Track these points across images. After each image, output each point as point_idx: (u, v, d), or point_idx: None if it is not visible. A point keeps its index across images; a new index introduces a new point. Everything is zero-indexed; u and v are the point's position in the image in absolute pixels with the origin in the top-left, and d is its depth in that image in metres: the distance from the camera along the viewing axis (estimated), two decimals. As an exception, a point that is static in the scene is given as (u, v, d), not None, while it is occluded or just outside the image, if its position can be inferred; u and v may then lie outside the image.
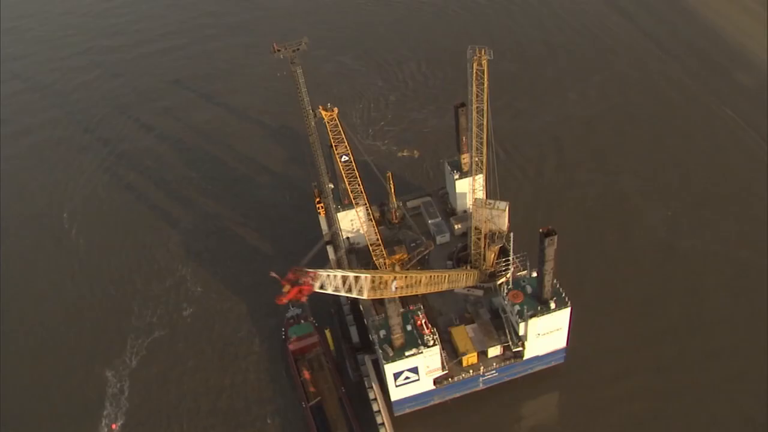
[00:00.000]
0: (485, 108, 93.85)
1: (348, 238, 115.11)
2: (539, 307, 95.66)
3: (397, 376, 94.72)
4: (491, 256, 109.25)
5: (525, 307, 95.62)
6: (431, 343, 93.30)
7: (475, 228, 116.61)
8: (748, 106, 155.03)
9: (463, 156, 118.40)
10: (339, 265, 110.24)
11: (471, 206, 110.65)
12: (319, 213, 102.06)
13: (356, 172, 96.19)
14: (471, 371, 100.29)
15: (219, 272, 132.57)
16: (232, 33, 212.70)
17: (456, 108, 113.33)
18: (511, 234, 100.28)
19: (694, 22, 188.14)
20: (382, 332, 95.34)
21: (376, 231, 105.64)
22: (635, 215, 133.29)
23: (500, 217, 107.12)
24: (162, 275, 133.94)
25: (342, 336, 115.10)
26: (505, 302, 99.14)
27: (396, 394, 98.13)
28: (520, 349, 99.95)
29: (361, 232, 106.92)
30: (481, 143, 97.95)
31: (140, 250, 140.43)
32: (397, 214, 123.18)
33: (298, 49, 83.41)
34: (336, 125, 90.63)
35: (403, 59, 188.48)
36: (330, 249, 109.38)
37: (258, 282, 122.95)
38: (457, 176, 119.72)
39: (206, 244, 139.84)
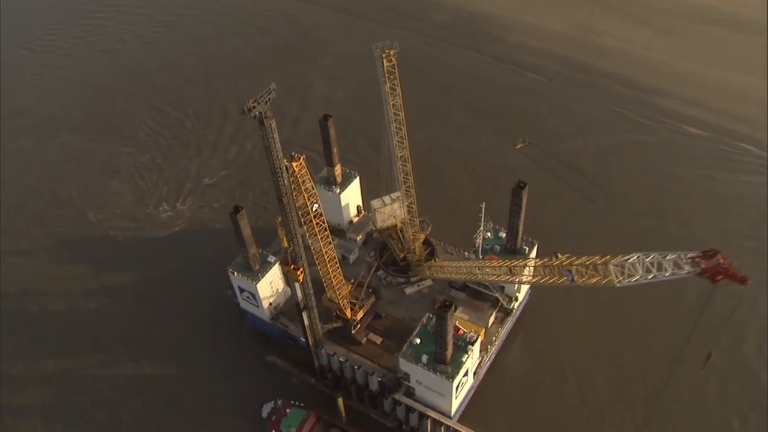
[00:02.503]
0: (400, 103, 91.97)
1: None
2: (518, 258, 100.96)
3: (457, 387, 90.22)
4: (419, 244, 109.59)
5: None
6: (474, 338, 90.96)
7: (386, 229, 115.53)
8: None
9: (335, 168, 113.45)
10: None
11: (372, 210, 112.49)
12: (297, 280, 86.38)
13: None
14: (489, 347, 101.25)
15: None
16: None
17: (322, 121, 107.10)
18: (483, 204, 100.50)
19: None
20: (424, 357, 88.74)
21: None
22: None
23: (401, 208, 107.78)
24: None
25: (357, 397, 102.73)
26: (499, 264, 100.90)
27: (455, 405, 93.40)
28: (513, 303, 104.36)
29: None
30: (403, 138, 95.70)
31: None
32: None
33: (269, 100, 68.12)
34: (306, 172, 78.28)
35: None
36: (305, 314, 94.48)
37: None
38: (338, 190, 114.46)
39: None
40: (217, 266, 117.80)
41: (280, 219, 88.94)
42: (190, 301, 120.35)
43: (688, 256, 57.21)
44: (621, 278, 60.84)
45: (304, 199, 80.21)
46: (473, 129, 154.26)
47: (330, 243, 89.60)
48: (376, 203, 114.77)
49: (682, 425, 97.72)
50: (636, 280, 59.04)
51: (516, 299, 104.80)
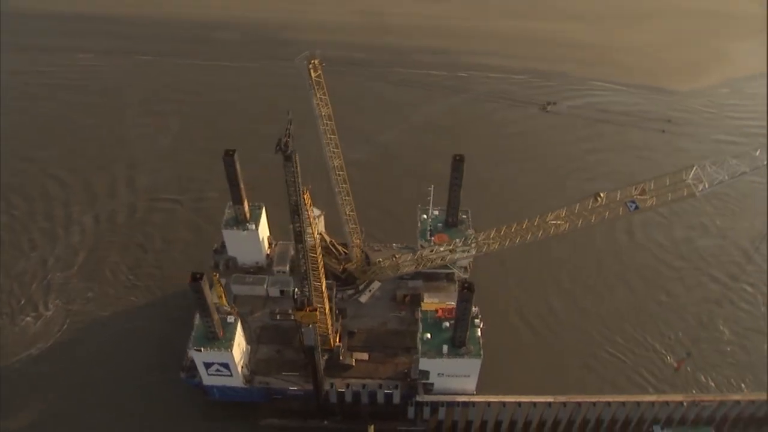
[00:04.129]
0: (330, 113, 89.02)
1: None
2: (459, 225, 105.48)
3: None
4: (358, 251, 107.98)
5: (456, 236, 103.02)
6: (477, 312, 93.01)
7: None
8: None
9: (243, 204, 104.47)
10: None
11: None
12: (314, 322, 77.82)
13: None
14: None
15: None
16: None
17: (226, 157, 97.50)
18: (432, 187, 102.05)
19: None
20: (444, 347, 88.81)
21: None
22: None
23: (321, 223, 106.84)
24: None
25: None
26: (442, 247, 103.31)
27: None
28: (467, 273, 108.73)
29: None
30: (336, 146, 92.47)
31: None
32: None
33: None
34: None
35: None
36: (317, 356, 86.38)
37: None
38: (253, 226, 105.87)
39: None
40: (140, 356, 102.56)
41: (217, 275, 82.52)
42: (134, 405, 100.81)
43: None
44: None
45: (312, 230, 73.82)
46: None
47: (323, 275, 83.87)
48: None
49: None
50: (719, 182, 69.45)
51: (470, 268, 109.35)
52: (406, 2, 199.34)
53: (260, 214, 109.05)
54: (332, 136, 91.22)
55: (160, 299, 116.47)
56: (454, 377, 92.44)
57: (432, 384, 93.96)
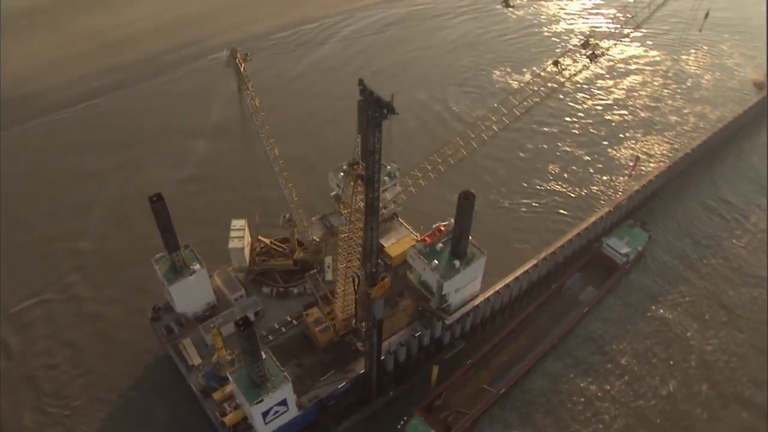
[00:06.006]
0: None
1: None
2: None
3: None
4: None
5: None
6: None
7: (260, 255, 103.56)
8: None
9: (180, 250, 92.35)
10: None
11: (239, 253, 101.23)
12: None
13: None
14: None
15: None
16: None
17: (154, 202, 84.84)
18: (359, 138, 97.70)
19: None
20: (456, 262, 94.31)
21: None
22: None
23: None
24: None
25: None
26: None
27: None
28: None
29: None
30: (270, 136, 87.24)
31: None
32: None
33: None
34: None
35: None
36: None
37: None
38: (197, 266, 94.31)
39: None
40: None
41: (216, 327, 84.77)
42: None
43: None
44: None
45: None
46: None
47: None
48: (235, 244, 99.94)
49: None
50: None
51: (400, 200, 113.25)
52: (126, 12, 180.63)
53: (190, 251, 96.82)
54: (267, 128, 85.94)
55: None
56: (465, 287, 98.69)
57: (449, 304, 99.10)
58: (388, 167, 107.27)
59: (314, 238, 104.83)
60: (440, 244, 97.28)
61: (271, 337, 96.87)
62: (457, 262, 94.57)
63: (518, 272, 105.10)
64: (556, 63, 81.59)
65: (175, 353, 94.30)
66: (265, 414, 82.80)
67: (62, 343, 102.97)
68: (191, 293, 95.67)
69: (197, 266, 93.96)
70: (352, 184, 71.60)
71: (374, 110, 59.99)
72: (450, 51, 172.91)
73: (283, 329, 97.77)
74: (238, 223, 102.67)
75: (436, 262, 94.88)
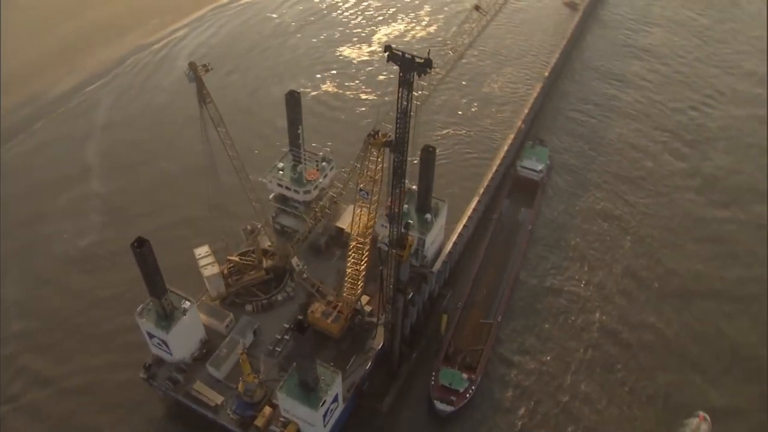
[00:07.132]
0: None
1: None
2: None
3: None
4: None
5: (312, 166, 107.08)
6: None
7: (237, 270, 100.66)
8: None
9: (167, 293, 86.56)
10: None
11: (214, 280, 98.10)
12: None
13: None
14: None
15: None
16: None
17: (137, 249, 78.99)
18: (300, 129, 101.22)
19: None
20: (427, 216, 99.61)
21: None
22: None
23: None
24: None
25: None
26: (320, 180, 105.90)
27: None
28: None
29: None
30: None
31: None
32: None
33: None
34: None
35: None
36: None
37: None
38: (187, 304, 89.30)
39: None
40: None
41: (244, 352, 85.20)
42: None
43: None
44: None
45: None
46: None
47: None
48: (210, 271, 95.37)
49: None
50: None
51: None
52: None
53: (175, 295, 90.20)
54: (228, 142, 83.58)
55: None
56: (437, 235, 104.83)
57: (425, 256, 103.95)
58: (321, 153, 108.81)
59: (268, 245, 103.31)
60: (406, 206, 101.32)
61: (279, 348, 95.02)
62: (428, 216, 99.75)
63: (468, 212, 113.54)
64: (477, 8, 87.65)
65: (190, 401, 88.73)
66: (324, 415, 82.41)
67: None
68: (186, 335, 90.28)
69: (186, 303, 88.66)
70: (375, 153, 72.55)
71: (407, 70, 61.85)
72: (294, 36, 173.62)
73: (287, 337, 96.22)
74: (202, 251, 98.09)
75: (410, 221, 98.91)
